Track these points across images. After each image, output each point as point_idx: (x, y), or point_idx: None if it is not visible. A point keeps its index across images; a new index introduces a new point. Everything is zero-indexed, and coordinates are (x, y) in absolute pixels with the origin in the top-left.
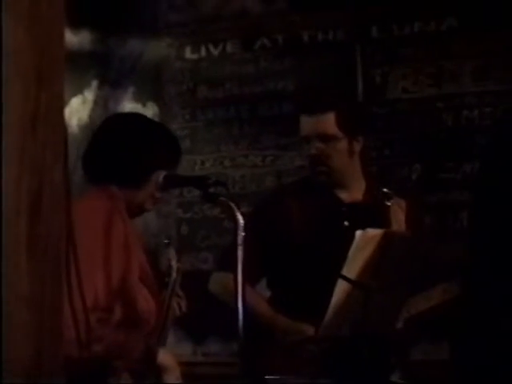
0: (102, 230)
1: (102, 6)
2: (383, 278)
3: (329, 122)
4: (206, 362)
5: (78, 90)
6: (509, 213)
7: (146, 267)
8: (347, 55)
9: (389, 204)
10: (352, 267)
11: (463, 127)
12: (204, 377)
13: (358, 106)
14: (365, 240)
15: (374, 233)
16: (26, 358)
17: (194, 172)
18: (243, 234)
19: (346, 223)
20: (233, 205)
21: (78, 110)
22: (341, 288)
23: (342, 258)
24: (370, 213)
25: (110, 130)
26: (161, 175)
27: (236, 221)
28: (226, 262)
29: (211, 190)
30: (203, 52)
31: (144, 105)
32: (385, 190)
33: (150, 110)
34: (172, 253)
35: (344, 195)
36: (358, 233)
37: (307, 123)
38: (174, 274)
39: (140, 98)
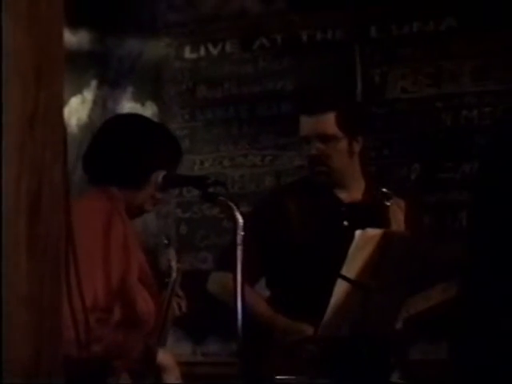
0: (102, 231)
1: (100, 5)
2: (382, 278)
3: (329, 122)
4: (206, 361)
5: (77, 90)
6: (508, 213)
7: (146, 268)
8: (346, 55)
9: (388, 204)
10: (351, 267)
11: (462, 127)
12: (203, 377)
13: (358, 105)
14: (364, 240)
15: (374, 233)
16: (26, 358)
17: (193, 172)
18: (242, 233)
19: (345, 223)
20: (232, 204)
21: (77, 109)
22: (340, 288)
23: (341, 257)
24: (370, 213)
25: (110, 130)
26: (160, 175)
27: (235, 220)
28: (225, 262)
29: (210, 189)
30: (202, 52)
31: (143, 104)
32: (384, 190)
33: (149, 110)
34: (172, 253)
35: (343, 195)
36: (358, 232)
37: (307, 123)
38: (173, 275)
39: (139, 97)
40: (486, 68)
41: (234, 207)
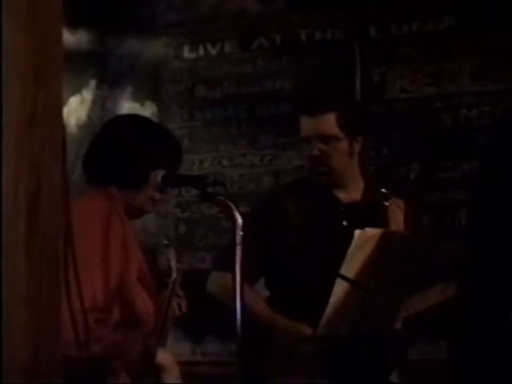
0: (101, 231)
1: (99, 5)
2: (382, 278)
3: (329, 122)
4: (205, 361)
5: (77, 90)
6: (507, 212)
7: (145, 268)
8: (345, 55)
9: (387, 204)
10: (351, 267)
11: (462, 127)
12: (203, 376)
13: (358, 105)
14: (363, 239)
15: (373, 232)
16: (25, 358)
17: (193, 171)
18: (241, 233)
19: (344, 223)
20: (231, 204)
21: (76, 109)
22: (339, 288)
23: (340, 257)
24: (369, 213)
25: (109, 131)
26: (159, 174)
27: (234, 220)
28: (225, 262)
29: (209, 189)
30: (201, 52)
31: (142, 104)
32: (383, 190)
33: (148, 110)
34: (172, 253)
35: (342, 195)
36: (357, 232)
37: (308, 124)
38: (174, 275)
39: (138, 97)
40: (486, 68)
41: (233, 207)
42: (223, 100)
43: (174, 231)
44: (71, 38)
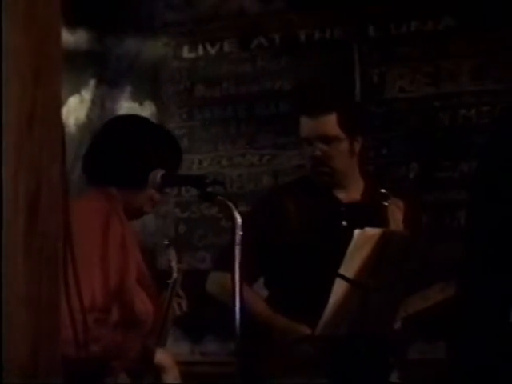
0: (100, 231)
1: (98, 5)
2: (381, 278)
3: (331, 123)
4: (204, 361)
5: (76, 90)
6: (506, 212)
7: (144, 268)
8: (344, 54)
9: (386, 204)
10: (350, 266)
11: (460, 126)
12: (202, 376)
13: (358, 105)
14: (363, 239)
15: (373, 232)
16: (24, 358)
17: (192, 171)
18: (241, 233)
19: (344, 223)
20: (230, 204)
21: (75, 109)
22: (339, 287)
23: (339, 257)
24: (368, 213)
25: (109, 131)
26: (158, 174)
27: (234, 220)
28: (224, 262)
29: (209, 189)
30: (200, 51)
31: (141, 104)
32: (382, 190)
33: (147, 110)
34: (172, 254)
35: (342, 195)
36: (357, 232)
37: (309, 125)
38: (174, 275)
39: (137, 97)
40: (484, 67)
41: (233, 207)
42: (222, 100)
43: (173, 231)
44: (70, 38)
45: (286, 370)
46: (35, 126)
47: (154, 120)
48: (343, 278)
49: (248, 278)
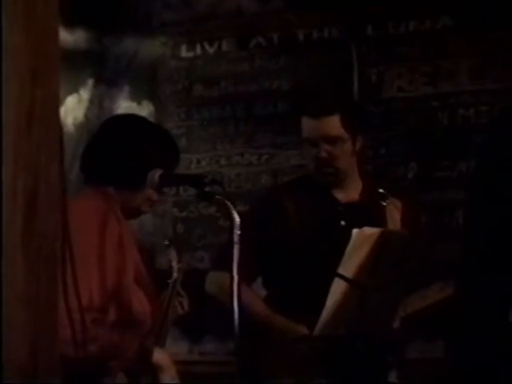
0: (97, 231)
1: (97, 4)
2: (380, 277)
3: (334, 123)
4: (203, 360)
5: (74, 89)
6: (505, 211)
7: (142, 268)
8: (343, 54)
9: (384, 204)
10: (349, 266)
11: (459, 126)
12: (200, 376)
13: (358, 105)
14: (361, 239)
15: (371, 232)
16: (23, 358)
17: (190, 171)
18: (239, 232)
19: (342, 223)
20: (229, 203)
21: (73, 108)
22: (337, 287)
23: (338, 257)
24: (367, 212)
25: (107, 131)
26: (156, 174)
27: (232, 219)
28: (222, 261)
29: (207, 188)
30: (198, 50)
31: (139, 103)
32: (380, 190)
33: (145, 109)
34: (173, 253)
35: (341, 195)
36: (355, 231)
37: (312, 126)
38: (175, 274)
39: (135, 96)
40: (483, 67)
41: (231, 206)
42: (221, 99)
43: (171, 231)
44: (68, 38)
45: (285, 370)
46: (34, 126)
47: (152, 119)
48: (342, 277)
49: (246, 278)
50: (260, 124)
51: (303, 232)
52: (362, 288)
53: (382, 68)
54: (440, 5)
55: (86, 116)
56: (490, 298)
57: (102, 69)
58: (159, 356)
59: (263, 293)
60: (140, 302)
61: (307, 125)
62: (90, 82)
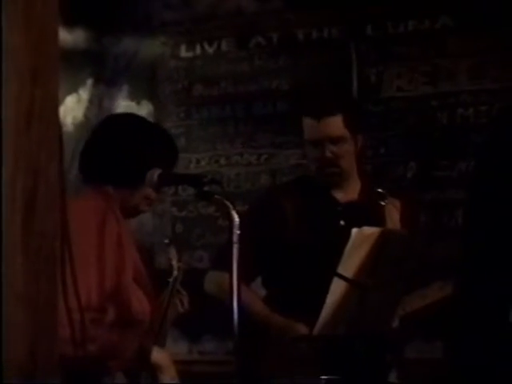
0: (96, 230)
1: (96, 4)
2: (380, 277)
3: (338, 124)
4: (202, 360)
5: (73, 89)
6: (504, 211)
7: (141, 267)
8: (342, 54)
9: (383, 203)
10: (348, 265)
11: (458, 125)
12: (200, 375)
13: (359, 105)
14: (361, 238)
15: (371, 231)
16: (22, 358)
17: (189, 170)
18: (238, 232)
19: (341, 222)
20: (228, 203)
21: (72, 108)
22: (337, 287)
23: (337, 257)
24: (366, 212)
25: (105, 130)
26: (155, 173)
27: (231, 219)
28: (222, 261)
29: (206, 188)
30: (198, 50)
31: (139, 103)
32: (379, 190)
33: (144, 109)
34: (173, 252)
35: (340, 195)
36: (354, 231)
37: (315, 127)
38: (175, 273)
39: (135, 96)
40: (482, 66)
41: (230, 206)
42: (220, 99)
43: (170, 230)
44: (68, 37)
45: (284, 370)
46: (33, 125)
47: (151, 119)
48: (341, 277)
49: (246, 278)
50: (259, 124)
51: (302, 232)
52: (362, 287)
53: (381, 68)
54: (439, 4)
55: (86, 116)
56: (490, 298)
57: (101, 68)
58: (158, 356)
59: (262, 292)
60: (139, 302)
61: (309, 126)
62: (90, 81)
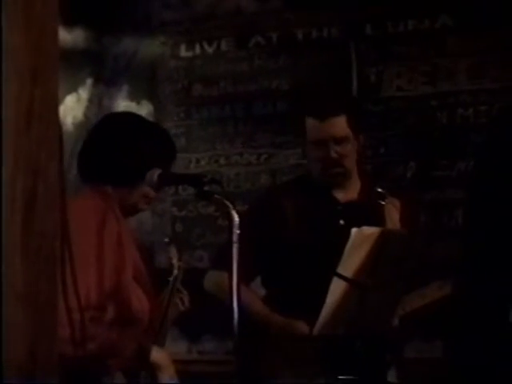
0: (95, 229)
1: (96, 4)
2: (379, 276)
3: (342, 124)
4: (201, 360)
5: (73, 88)
6: (504, 211)
7: (141, 266)
8: (342, 53)
9: (383, 203)
10: (348, 265)
11: (458, 125)
12: (199, 375)
13: (360, 105)
14: (361, 238)
15: (371, 231)
16: (22, 358)
17: (189, 170)
18: (238, 232)
19: (341, 222)
20: (228, 203)
21: (72, 108)
22: (336, 286)
23: (337, 256)
24: (365, 212)
25: (103, 129)
26: (155, 173)
27: (231, 219)
28: (221, 261)
29: (206, 188)
30: (198, 50)
31: (138, 103)
32: (379, 189)
33: (144, 109)
34: (173, 251)
35: (339, 194)
36: (354, 230)
37: (320, 128)
38: (175, 272)
39: (135, 96)
40: (482, 66)
41: (230, 205)
42: (220, 98)
43: (170, 230)
44: (68, 37)
45: (284, 370)
46: (33, 125)
47: (151, 119)
48: (341, 277)
49: (245, 277)
50: (259, 124)
51: (302, 231)
52: (361, 287)
53: (380, 67)
54: (439, 4)
55: (85, 115)
56: (490, 298)
57: (101, 68)
58: (158, 355)
59: (262, 292)
60: (139, 300)
61: (313, 126)
62: (89, 81)
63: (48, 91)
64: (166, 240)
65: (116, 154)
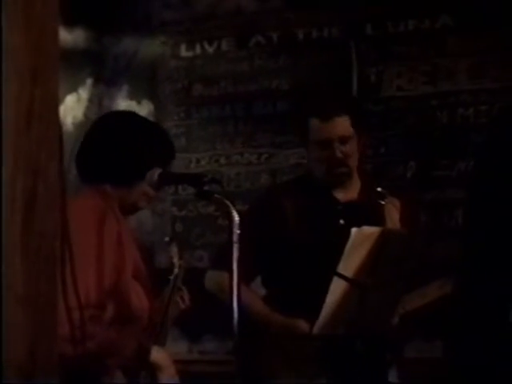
0: (95, 229)
1: (96, 4)
2: (379, 276)
3: (346, 124)
4: (202, 359)
5: (73, 88)
6: (504, 210)
7: (140, 265)
8: (342, 53)
9: (383, 203)
10: (348, 265)
11: (458, 125)
12: (199, 375)
13: (362, 104)
14: (361, 238)
15: (371, 231)
16: (22, 357)
17: (190, 170)
18: (238, 231)
19: (341, 222)
20: (228, 202)
21: (72, 108)
22: (337, 286)
23: (337, 256)
24: (365, 211)
25: (102, 128)
26: (156, 173)
27: (231, 218)
28: (221, 260)
29: (206, 187)
30: (198, 50)
31: (139, 103)
32: (379, 189)
33: (144, 108)
34: (174, 250)
35: (340, 194)
36: (354, 230)
37: (324, 128)
38: (175, 270)
39: (135, 96)
40: (482, 66)
41: (230, 205)
42: (220, 98)
43: (170, 229)
44: (68, 37)
45: (284, 369)
46: (33, 125)
47: (151, 119)
48: (341, 276)
49: (245, 277)
50: (259, 123)
51: (302, 231)
52: (361, 287)
53: (381, 67)
54: (439, 4)
55: (86, 115)
56: (490, 298)
57: (101, 68)
58: (158, 355)
59: (262, 292)
60: (139, 299)
61: (317, 126)
62: (89, 81)
63: (48, 91)
64: (167, 239)
65: (114, 153)
